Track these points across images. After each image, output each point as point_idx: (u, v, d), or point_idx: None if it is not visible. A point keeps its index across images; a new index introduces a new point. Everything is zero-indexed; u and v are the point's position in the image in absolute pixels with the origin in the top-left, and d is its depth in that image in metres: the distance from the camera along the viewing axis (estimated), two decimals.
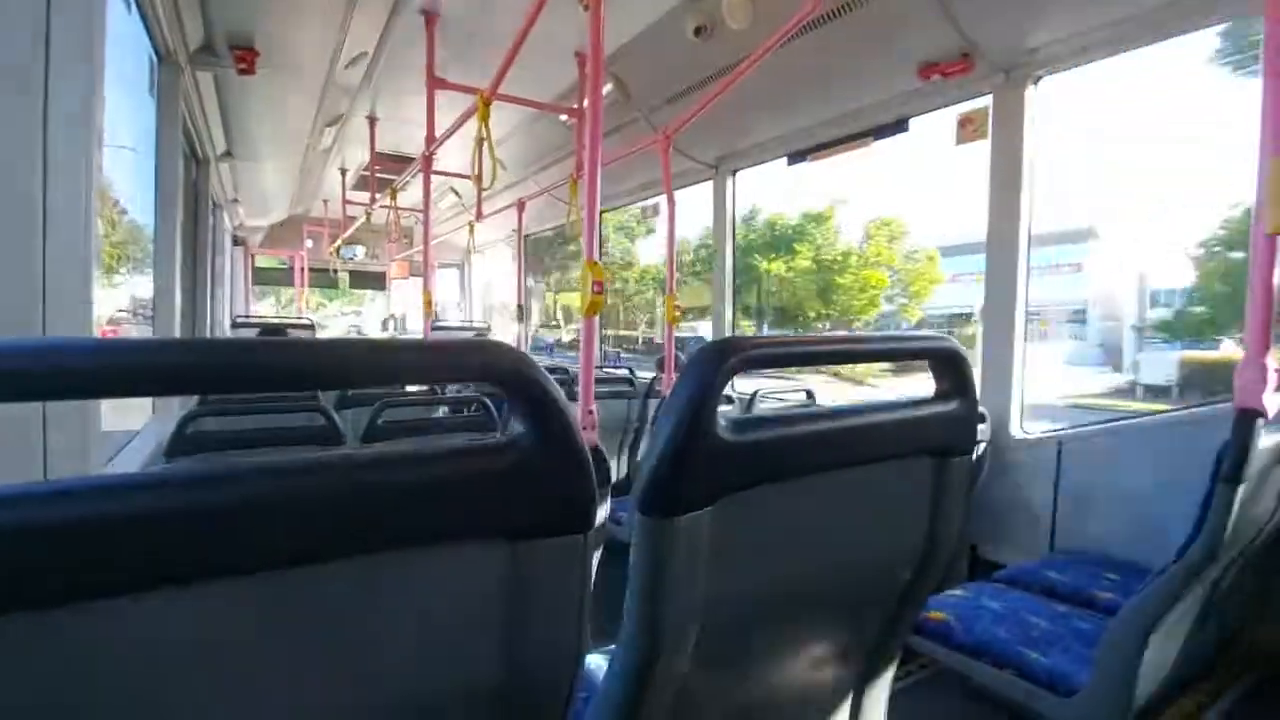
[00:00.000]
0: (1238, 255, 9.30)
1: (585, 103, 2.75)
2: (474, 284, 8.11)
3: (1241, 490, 1.10)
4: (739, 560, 0.64)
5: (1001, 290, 2.26)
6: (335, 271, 7.43)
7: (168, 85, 2.58)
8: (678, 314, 3.00)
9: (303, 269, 7.18)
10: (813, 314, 14.43)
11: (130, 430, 2.36)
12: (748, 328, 13.01)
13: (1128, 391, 10.45)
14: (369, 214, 5.18)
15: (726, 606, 0.65)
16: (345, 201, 5.70)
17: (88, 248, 1.07)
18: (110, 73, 1.22)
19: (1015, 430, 2.23)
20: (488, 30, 2.80)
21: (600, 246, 1.69)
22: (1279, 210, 1.12)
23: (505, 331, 6.87)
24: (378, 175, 4.74)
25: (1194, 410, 1.91)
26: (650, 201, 4.44)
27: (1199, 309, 10.83)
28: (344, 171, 5.35)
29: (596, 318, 1.63)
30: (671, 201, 3.06)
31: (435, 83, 2.92)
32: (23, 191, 0.93)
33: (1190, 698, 1.51)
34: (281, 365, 0.38)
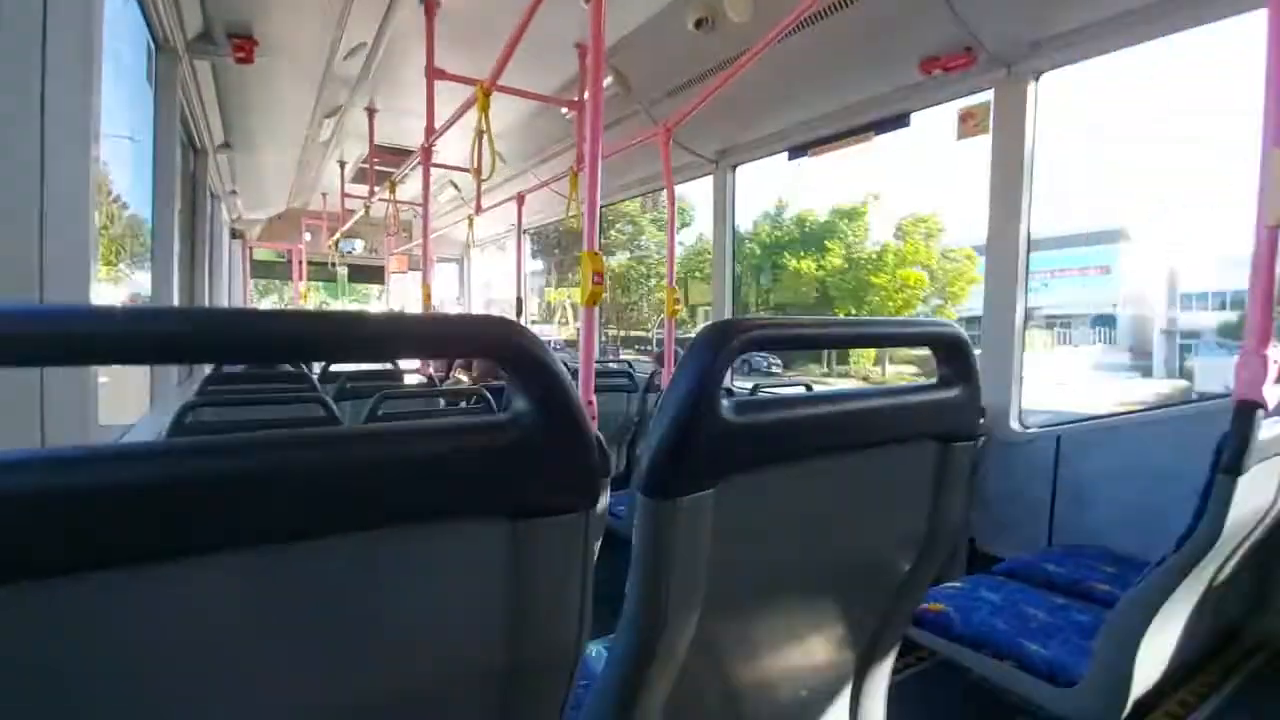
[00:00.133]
0: None
1: (586, 95, 2.74)
2: (473, 279, 8.10)
3: (1241, 482, 1.10)
4: (740, 543, 0.64)
5: (1001, 286, 2.26)
6: (334, 265, 7.41)
7: (165, 73, 2.56)
8: (678, 308, 3.00)
9: (301, 262, 7.15)
10: (844, 316, 13.91)
11: (128, 426, 2.35)
12: None
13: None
14: (368, 207, 5.17)
15: (727, 590, 0.64)
16: (344, 194, 5.68)
17: (85, 239, 1.07)
18: (107, 61, 1.21)
19: (1014, 424, 2.23)
20: (487, 21, 2.79)
21: (599, 238, 1.69)
22: None
23: None
24: (376, 168, 4.73)
25: (1192, 404, 1.92)
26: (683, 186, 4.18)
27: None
28: (343, 164, 5.34)
29: (597, 309, 1.63)
30: (671, 195, 3.05)
31: (435, 73, 2.91)
32: (20, 182, 0.93)
33: (1189, 688, 1.51)
34: (284, 334, 0.38)
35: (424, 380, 3.34)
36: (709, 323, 0.65)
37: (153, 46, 2.52)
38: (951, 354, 0.75)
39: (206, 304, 4.44)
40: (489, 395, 2.09)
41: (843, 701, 0.89)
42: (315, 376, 2.56)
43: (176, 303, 2.67)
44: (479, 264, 8.00)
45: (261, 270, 8.02)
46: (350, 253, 7.33)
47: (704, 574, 0.61)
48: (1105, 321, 13.82)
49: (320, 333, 0.39)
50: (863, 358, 13.68)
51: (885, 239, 13.80)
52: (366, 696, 0.45)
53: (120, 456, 0.33)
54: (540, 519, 0.47)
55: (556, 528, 0.48)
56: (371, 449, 0.40)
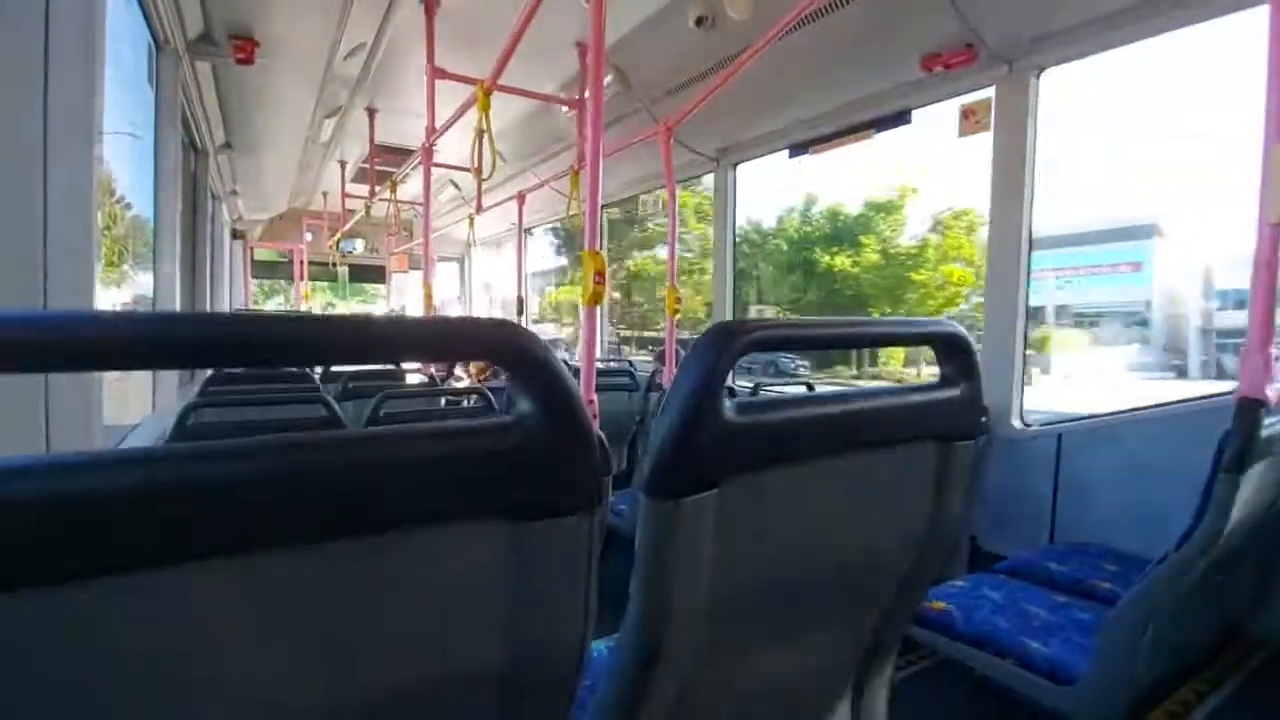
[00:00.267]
0: None
1: (586, 94, 2.74)
2: (474, 278, 8.10)
3: (1243, 479, 1.10)
4: (743, 543, 0.64)
5: (1003, 283, 2.25)
6: (334, 265, 7.41)
7: (166, 74, 2.56)
8: (678, 306, 3.00)
9: (302, 262, 7.16)
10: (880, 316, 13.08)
11: (131, 427, 2.36)
12: None
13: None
14: (368, 207, 5.17)
15: (730, 591, 0.65)
16: (344, 194, 5.69)
17: (88, 238, 1.07)
18: (107, 62, 1.21)
19: (1016, 421, 2.23)
20: (488, 20, 2.79)
21: (601, 236, 1.69)
22: None
23: None
24: (377, 168, 4.73)
25: (1194, 401, 1.92)
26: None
27: None
28: (343, 164, 5.34)
29: (598, 308, 1.63)
30: (672, 193, 3.05)
31: (435, 73, 2.91)
32: (23, 181, 0.93)
33: (1191, 686, 1.51)
34: (286, 337, 0.38)
35: (425, 379, 3.35)
36: (712, 323, 0.65)
37: (153, 47, 2.52)
38: (952, 353, 0.75)
39: (208, 305, 4.44)
40: (489, 395, 2.10)
41: (845, 700, 0.89)
42: (317, 377, 2.57)
43: (178, 304, 2.67)
44: (480, 263, 8.00)
45: (263, 270, 8.03)
46: (351, 252, 7.34)
47: (707, 575, 0.61)
48: (1138, 320, 13.38)
49: (324, 337, 0.39)
50: (892, 358, 13.14)
51: (924, 234, 12.88)
52: (371, 700, 0.45)
53: (122, 462, 0.33)
54: (544, 521, 0.47)
55: (560, 529, 0.48)
56: (375, 453, 0.41)
